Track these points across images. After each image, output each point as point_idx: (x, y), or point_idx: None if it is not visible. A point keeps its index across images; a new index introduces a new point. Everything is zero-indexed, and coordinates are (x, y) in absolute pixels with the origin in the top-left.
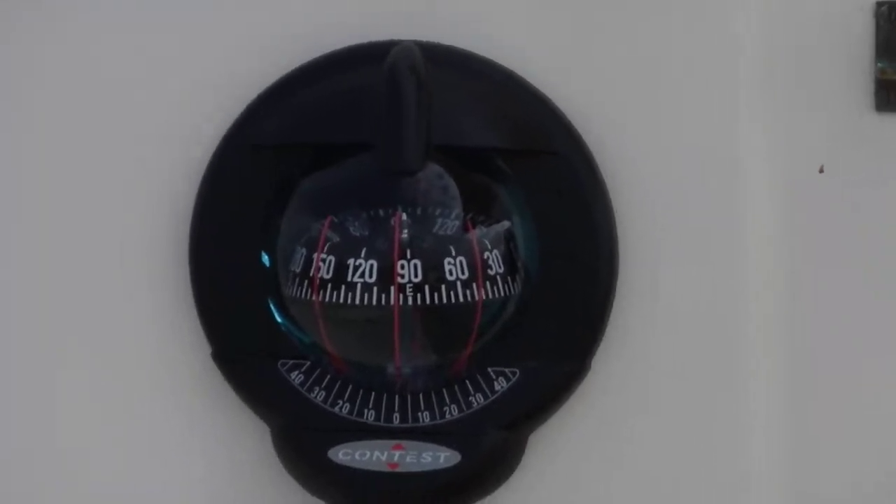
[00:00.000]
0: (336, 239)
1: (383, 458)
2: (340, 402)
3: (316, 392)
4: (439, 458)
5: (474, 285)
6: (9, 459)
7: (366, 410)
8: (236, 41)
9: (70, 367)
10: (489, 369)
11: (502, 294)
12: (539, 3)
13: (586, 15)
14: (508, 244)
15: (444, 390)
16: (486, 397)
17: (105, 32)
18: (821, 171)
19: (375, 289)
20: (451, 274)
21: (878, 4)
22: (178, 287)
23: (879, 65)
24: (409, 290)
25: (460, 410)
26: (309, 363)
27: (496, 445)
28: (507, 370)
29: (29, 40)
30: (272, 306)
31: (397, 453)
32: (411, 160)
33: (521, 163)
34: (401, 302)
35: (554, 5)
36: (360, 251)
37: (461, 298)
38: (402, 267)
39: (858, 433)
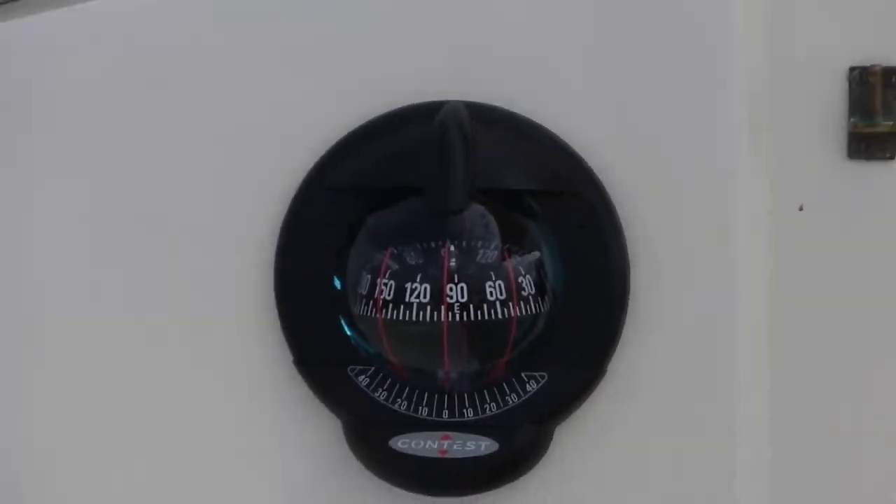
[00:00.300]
0: (396, 267)
1: (434, 446)
2: (399, 400)
3: (379, 392)
4: (481, 446)
5: (510, 304)
6: (114, 452)
7: (420, 407)
8: (315, 101)
9: (176, 375)
10: (522, 373)
11: (533, 311)
12: (565, 71)
13: (605, 79)
14: (538, 270)
15: (485, 391)
16: (519, 396)
17: (208, 93)
18: (800, 209)
19: (428, 308)
20: (490, 295)
21: (851, 70)
22: (265, 307)
23: (852, 119)
24: (456, 309)
25: (498, 407)
26: (373, 369)
27: (528, 436)
28: (537, 374)
29: (133, 90)
30: (343, 322)
31: (446, 442)
32: (457, 202)
33: (549, 203)
34: (449, 319)
35: (576, 72)
36: (416, 277)
37: (499, 315)
38: (451, 290)
39: (833, 430)
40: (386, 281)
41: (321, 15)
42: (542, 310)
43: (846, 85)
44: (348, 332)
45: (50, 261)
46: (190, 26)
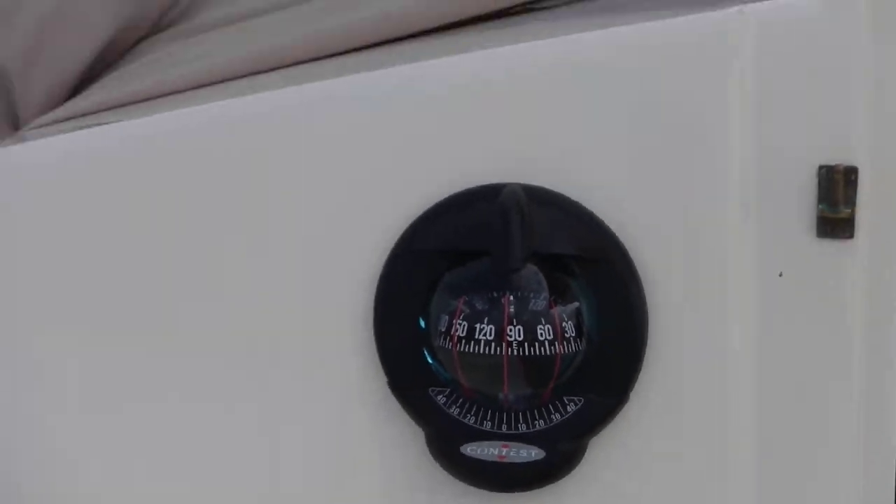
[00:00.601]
0: (468, 311)
1: (495, 452)
2: (469, 415)
3: (453, 409)
4: (531, 454)
5: (556, 343)
6: (232, 466)
7: (485, 421)
8: (407, 179)
9: (291, 395)
10: (564, 397)
11: (573, 350)
12: (601, 163)
13: (632, 171)
14: (578, 317)
15: (535, 410)
16: (561, 416)
17: (318, 175)
18: (780, 275)
19: (493, 344)
20: (541, 336)
21: (820, 167)
22: (366, 341)
23: (820, 206)
24: (514, 346)
25: (545, 424)
26: (449, 390)
27: (568, 447)
28: (575, 398)
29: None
30: (426, 353)
31: (504, 450)
32: (515, 262)
33: (586, 266)
34: (508, 353)
35: (610, 164)
36: (483, 319)
37: (547, 352)
38: (510, 330)
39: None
40: (460, 322)
41: (417, 111)
42: (580, 348)
43: (816, 179)
44: (430, 361)
45: (183, 292)
46: (317, 113)
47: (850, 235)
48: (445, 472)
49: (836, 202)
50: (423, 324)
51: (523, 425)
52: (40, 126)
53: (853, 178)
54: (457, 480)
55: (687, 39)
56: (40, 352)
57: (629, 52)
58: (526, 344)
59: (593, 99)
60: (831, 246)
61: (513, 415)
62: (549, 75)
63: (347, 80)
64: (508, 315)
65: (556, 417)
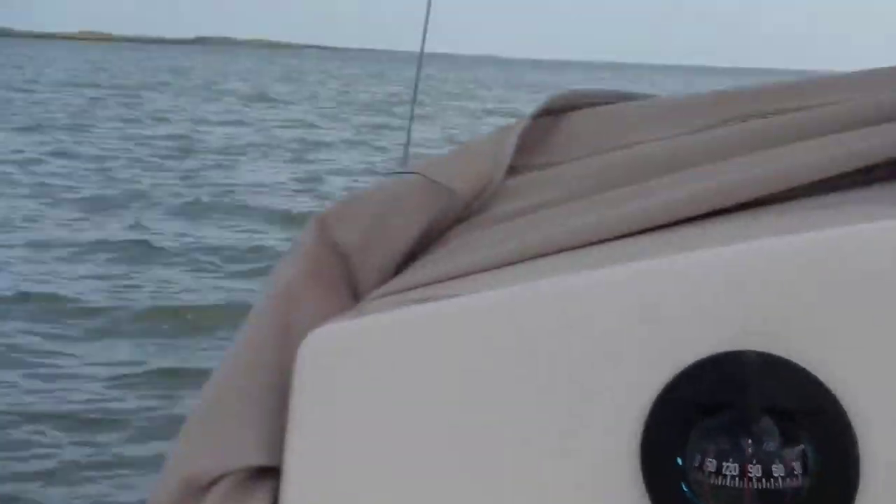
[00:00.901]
0: (717, 452)
1: None
2: None
3: None
4: None
5: (788, 479)
6: None
7: None
8: (671, 342)
9: None
10: None
11: (800, 485)
12: (823, 335)
13: (845, 348)
14: (804, 458)
15: None
16: None
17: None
18: None
19: (737, 479)
20: (775, 472)
21: None
22: (635, 474)
23: None
24: (754, 481)
25: None
26: None
27: None
28: None
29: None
30: (683, 485)
31: None
32: (755, 415)
33: (807, 418)
34: (749, 487)
35: (829, 337)
36: (729, 459)
37: (780, 486)
38: (750, 469)
39: None
40: (711, 460)
41: (684, 292)
42: (806, 484)
43: None
44: (685, 490)
45: (481, 433)
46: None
47: None
48: None
49: None
50: (679, 461)
51: None
52: (374, 299)
53: None
54: None
55: None
56: None
57: (859, 251)
58: (763, 480)
59: (826, 287)
60: None
61: None
62: (789, 269)
63: (624, 268)
64: (749, 456)
65: None
